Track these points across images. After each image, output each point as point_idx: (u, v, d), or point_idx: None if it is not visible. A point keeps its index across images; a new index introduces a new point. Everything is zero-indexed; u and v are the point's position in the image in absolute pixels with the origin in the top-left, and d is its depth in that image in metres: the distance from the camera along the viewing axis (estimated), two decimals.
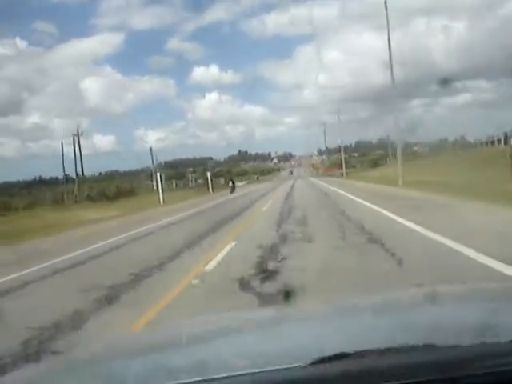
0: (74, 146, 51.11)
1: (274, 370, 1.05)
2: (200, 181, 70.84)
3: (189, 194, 45.07)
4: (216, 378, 1.05)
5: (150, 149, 56.06)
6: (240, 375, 1.06)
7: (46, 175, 69.51)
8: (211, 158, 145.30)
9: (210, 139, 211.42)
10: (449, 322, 1.42)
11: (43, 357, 3.98)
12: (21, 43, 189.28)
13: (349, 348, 1.08)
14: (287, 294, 2.16)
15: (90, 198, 44.79)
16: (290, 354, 1.20)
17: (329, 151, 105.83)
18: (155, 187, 44.05)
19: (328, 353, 1.06)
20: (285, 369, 1.05)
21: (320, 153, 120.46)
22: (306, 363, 1.03)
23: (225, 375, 1.06)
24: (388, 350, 1.07)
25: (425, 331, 1.34)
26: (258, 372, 1.05)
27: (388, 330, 1.41)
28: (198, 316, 3.62)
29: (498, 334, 1.16)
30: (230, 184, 47.93)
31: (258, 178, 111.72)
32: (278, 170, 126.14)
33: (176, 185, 71.84)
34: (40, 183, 69.63)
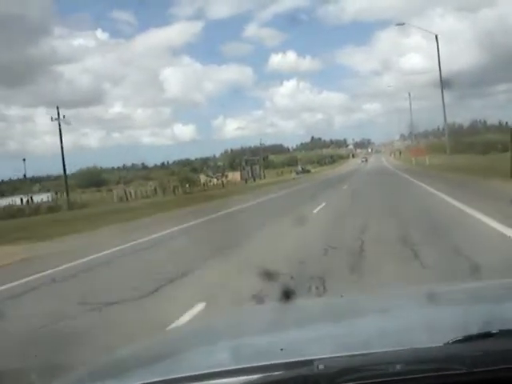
0: None
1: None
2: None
3: None
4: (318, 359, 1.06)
5: None
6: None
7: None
8: (281, 146, 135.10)
9: (287, 127, 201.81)
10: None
11: None
12: (101, 34, 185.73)
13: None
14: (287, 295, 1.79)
15: None
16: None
17: (413, 136, 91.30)
18: None
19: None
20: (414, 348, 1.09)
21: (404, 138, 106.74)
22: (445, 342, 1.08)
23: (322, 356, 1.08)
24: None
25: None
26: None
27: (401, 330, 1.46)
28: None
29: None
30: None
31: (303, 170, 72.06)
32: (348, 157, 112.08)
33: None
34: None
